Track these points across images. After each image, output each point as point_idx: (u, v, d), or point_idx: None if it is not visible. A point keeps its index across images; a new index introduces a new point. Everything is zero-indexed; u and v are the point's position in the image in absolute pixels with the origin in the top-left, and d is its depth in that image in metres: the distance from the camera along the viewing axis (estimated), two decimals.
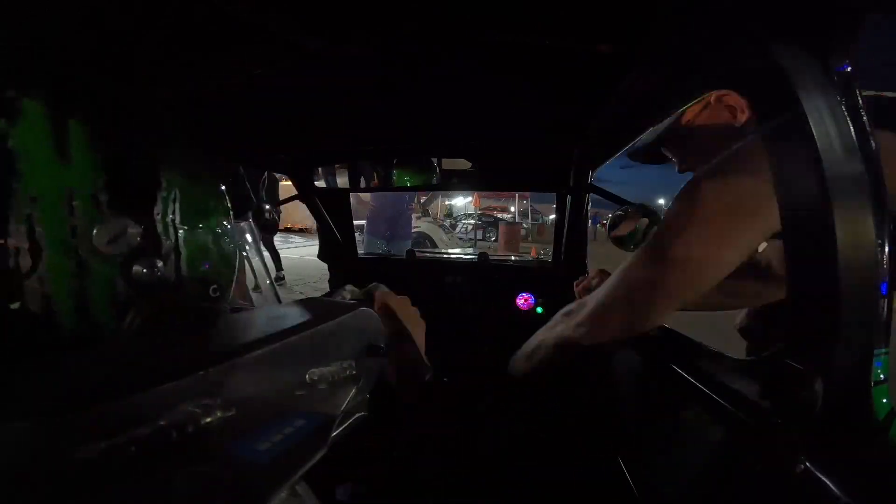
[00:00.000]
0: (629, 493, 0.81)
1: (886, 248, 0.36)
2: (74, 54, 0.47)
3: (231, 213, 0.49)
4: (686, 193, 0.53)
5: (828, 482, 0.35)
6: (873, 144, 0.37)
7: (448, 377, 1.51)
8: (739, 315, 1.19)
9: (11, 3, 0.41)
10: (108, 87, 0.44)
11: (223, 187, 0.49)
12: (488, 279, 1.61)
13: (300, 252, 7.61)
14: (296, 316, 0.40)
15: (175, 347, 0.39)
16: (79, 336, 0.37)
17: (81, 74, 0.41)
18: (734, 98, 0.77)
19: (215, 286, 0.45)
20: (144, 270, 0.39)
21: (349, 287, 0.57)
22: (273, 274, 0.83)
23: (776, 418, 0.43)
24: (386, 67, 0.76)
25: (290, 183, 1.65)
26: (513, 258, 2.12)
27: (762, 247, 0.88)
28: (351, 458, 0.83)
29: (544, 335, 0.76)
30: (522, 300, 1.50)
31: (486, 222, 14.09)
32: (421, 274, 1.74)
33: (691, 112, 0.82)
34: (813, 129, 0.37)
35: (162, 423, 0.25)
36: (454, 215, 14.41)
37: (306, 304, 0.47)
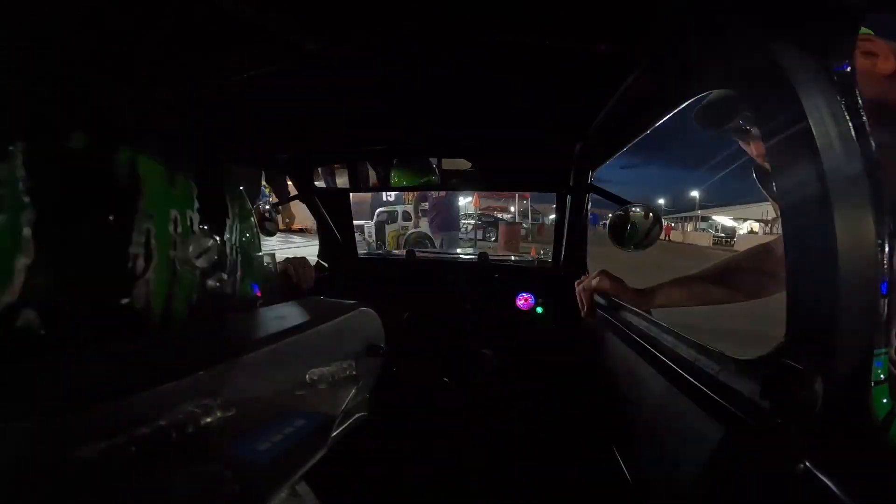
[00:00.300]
0: (629, 494, 0.81)
1: (886, 248, 0.36)
2: (74, 54, 0.48)
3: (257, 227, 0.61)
4: None
5: (828, 482, 0.35)
6: (873, 144, 0.37)
7: (448, 377, 1.51)
8: None
9: (11, 3, 0.41)
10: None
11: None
12: (488, 279, 1.61)
13: (299, 253, 7.59)
14: (296, 316, 0.40)
15: (175, 347, 0.39)
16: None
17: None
18: (876, 44, 0.63)
19: (261, 300, 0.54)
20: (216, 284, 0.46)
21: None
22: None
23: (776, 418, 0.43)
24: (386, 67, 0.76)
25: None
26: (513, 258, 2.12)
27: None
28: (351, 458, 0.83)
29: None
30: (522, 300, 1.50)
31: (486, 222, 14.13)
32: (421, 274, 1.74)
33: None
34: (813, 129, 0.37)
35: (162, 423, 0.25)
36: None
37: (306, 304, 0.47)
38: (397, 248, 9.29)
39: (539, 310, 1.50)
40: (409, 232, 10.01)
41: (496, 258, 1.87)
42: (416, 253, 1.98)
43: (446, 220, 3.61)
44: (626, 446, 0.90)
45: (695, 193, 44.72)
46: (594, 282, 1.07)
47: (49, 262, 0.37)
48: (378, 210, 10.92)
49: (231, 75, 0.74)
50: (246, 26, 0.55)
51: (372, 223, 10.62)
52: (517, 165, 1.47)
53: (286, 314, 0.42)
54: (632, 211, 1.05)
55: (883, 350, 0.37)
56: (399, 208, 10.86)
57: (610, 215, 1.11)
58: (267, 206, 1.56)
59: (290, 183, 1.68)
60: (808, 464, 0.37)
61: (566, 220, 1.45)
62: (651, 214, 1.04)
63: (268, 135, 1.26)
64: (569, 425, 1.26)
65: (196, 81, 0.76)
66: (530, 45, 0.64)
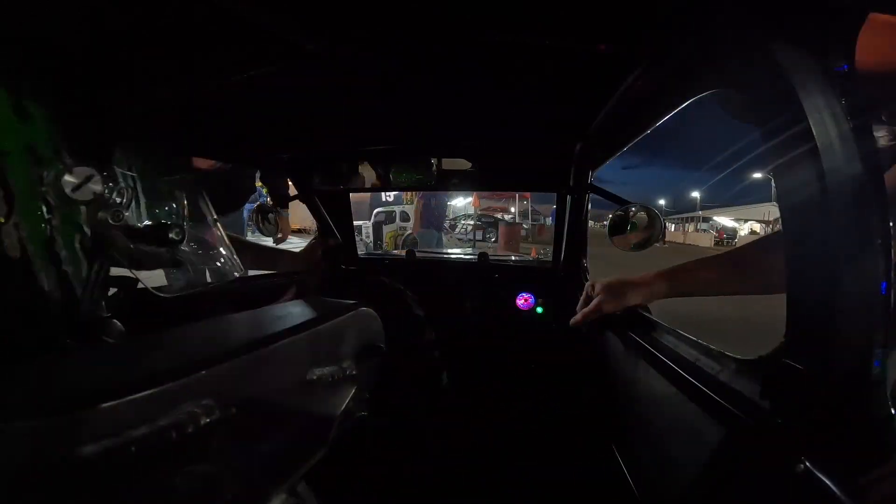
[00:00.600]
0: (629, 494, 0.81)
1: (886, 249, 0.36)
2: (74, 53, 0.47)
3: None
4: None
5: (828, 482, 0.35)
6: (873, 144, 0.37)
7: (448, 377, 1.51)
8: None
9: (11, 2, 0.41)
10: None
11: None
12: (488, 279, 1.61)
13: None
14: (296, 316, 0.40)
15: (175, 347, 0.39)
16: (47, 278, 0.38)
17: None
18: None
19: (177, 229, 0.47)
20: (109, 218, 0.40)
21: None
22: None
23: (776, 418, 0.43)
24: (386, 67, 0.76)
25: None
26: (513, 258, 2.12)
27: None
28: (351, 458, 0.83)
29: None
30: (522, 300, 1.50)
31: (486, 223, 13.92)
32: (421, 274, 1.74)
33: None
34: (813, 129, 0.37)
35: (162, 423, 0.25)
36: (454, 216, 14.21)
37: (306, 304, 0.47)
38: (395, 249, 9.28)
39: (539, 310, 1.50)
40: (406, 233, 10.01)
41: (496, 258, 1.87)
42: (417, 253, 1.98)
43: (428, 219, 3.65)
44: (626, 446, 0.90)
45: (695, 194, 44.74)
46: (604, 308, 0.95)
47: None
48: (376, 210, 10.94)
49: (231, 75, 0.74)
50: (246, 26, 0.55)
51: (370, 223, 10.65)
52: (517, 165, 1.47)
53: (286, 314, 0.42)
54: (632, 211, 1.05)
55: (883, 350, 0.37)
56: (397, 208, 10.89)
57: (610, 216, 1.11)
58: (267, 208, 1.56)
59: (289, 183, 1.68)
60: (808, 464, 0.37)
61: (566, 221, 1.45)
62: (651, 215, 1.03)
63: (268, 135, 1.26)
64: (569, 425, 1.26)
65: (196, 81, 0.76)
66: (530, 45, 0.64)
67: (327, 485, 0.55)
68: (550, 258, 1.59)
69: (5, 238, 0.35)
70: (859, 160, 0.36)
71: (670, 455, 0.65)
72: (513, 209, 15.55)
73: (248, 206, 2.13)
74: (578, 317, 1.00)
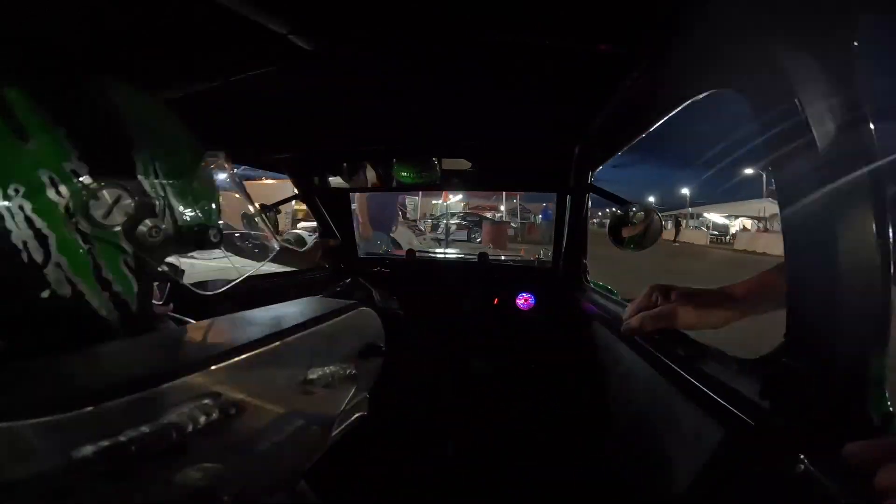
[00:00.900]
0: (629, 494, 0.81)
1: (886, 249, 0.36)
2: (75, 53, 0.47)
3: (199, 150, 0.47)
4: None
5: (828, 482, 0.35)
6: (873, 143, 0.37)
7: (447, 377, 1.51)
8: None
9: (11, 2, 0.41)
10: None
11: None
12: (488, 279, 1.61)
13: None
14: (296, 316, 0.40)
15: (174, 347, 0.39)
16: (103, 306, 0.37)
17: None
18: None
19: (215, 230, 0.44)
20: (150, 235, 0.39)
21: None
22: None
23: (776, 418, 0.43)
24: (386, 67, 0.76)
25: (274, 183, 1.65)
26: (511, 258, 2.12)
27: None
28: (351, 458, 0.83)
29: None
30: (522, 300, 1.50)
31: (472, 222, 12.93)
32: (421, 274, 1.74)
33: None
34: (813, 128, 0.37)
35: (162, 423, 0.25)
36: (437, 214, 12.94)
37: (306, 304, 0.47)
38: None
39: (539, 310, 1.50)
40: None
41: (496, 258, 1.87)
42: (416, 253, 1.98)
43: (376, 218, 3.39)
44: (626, 446, 0.90)
45: (685, 191, 44.63)
46: (679, 320, 0.68)
47: None
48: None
49: (231, 75, 0.74)
50: (246, 26, 0.55)
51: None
52: (517, 165, 1.47)
53: (286, 314, 0.42)
54: (632, 211, 1.05)
55: (882, 350, 0.37)
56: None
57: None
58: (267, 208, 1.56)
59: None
60: (808, 464, 0.37)
61: (566, 221, 1.45)
62: (651, 214, 1.03)
63: (268, 135, 1.26)
64: (568, 425, 1.26)
65: (196, 81, 0.76)
66: (530, 45, 0.64)
67: (327, 485, 0.55)
68: (540, 259, 1.59)
69: (51, 279, 0.34)
70: (859, 160, 0.36)
71: (670, 455, 0.65)
72: (502, 207, 15.05)
73: None
74: (634, 321, 0.75)
